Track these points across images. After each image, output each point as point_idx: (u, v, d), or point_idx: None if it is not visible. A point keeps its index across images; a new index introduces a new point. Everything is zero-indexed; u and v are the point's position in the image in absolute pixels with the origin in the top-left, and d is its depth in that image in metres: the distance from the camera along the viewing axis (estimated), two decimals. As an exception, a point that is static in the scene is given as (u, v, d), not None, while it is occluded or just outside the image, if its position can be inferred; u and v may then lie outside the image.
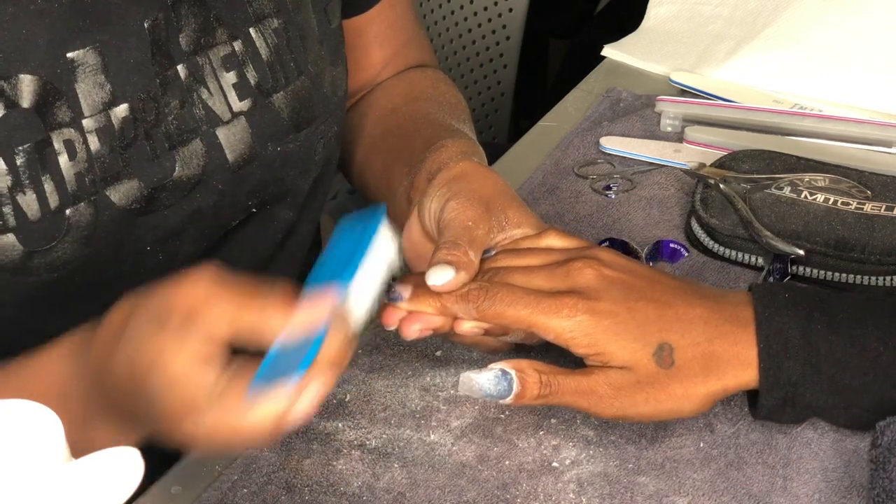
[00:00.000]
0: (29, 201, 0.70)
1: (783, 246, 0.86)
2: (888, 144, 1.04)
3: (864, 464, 0.71)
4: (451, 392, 0.77)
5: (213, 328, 0.61)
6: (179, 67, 0.76)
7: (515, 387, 0.69)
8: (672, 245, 0.91)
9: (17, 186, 0.69)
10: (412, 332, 0.71)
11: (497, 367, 0.70)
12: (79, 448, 0.66)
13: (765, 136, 1.05)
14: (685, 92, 1.15)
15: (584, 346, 0.69)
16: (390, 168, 0.88)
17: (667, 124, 1.08)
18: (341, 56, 0.90)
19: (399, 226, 0.83)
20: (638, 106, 1.12)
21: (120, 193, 0.74)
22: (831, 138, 1.05)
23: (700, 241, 0.91)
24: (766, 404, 0.71)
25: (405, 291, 0.71)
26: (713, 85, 1.15)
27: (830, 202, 0.89)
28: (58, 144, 0.70)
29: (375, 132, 0.95)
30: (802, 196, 0.90)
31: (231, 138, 0.79)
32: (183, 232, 0.78)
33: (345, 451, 0.73)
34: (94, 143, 0.72)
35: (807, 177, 0.92)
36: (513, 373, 0.69)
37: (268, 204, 0.84)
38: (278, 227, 0.87)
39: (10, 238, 0.70)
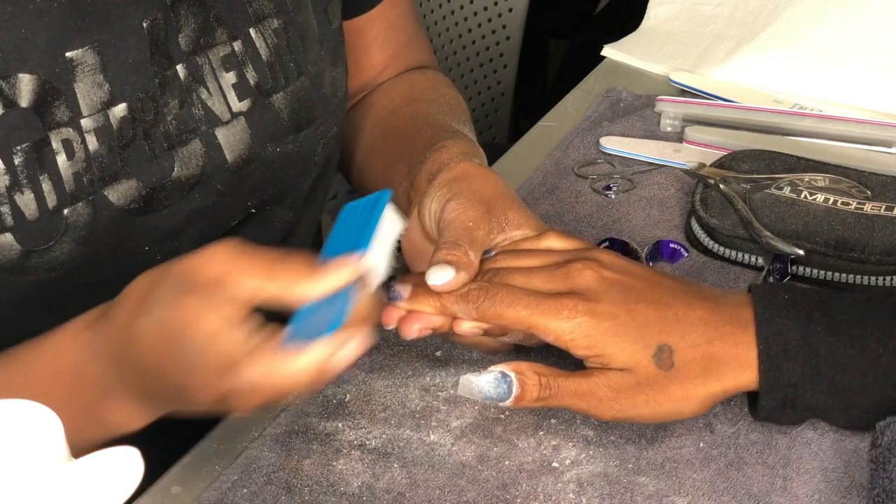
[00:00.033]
0: (27, 201, 0.70)
1: (783, 246, 0.86)
2: (888, 144, 1.04)
3: (864, 464, 0.71)
4: (451, 392, 0.77)
5: (241, 293, 0.61)
6: (179, 67, 0.76)
7: (515, 389, 0.69)
8: (672, 245, 0.91)
9: (14, 186, 0.69)
10: (411, 331, 0.71)
11: (497, 369, 0.70)
12: (91, 428, 0.67)
13: (765, 136, 1.05)
14: (685, 92, 1.15)
15: (584, 347, 0.69)
16: (390, 169, 0.88)
17: (667, 124, 1.08)
18: (341, 57, 0.90)
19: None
20: (638, 106, 1.12)
21: (118, 193, 0.74)
22: (831, 138, 1.05)
23: (700, 241, 0.91)
24: (765, 405, 0.71)
25: (404, 291, 0.71)
26: (713, 85, 1.15)
27: (830, 202, 0.89)
28: (56, 144, 0.70)
29: (375, 133, 0.95)
30: (802, 196, 0.90)
31: (230, 139, 0.78)
32: (182, 232, 0.78)
33: (345, 451, 0.73)
34: (92, 142, 0.72)
35: (807, 177, 0.92)
36: (512, 375, 0.69)
37: (267, 204, 0.84)
38: (278, 227, 0.87)
39: (8, 237, 0.70)
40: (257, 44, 0.80)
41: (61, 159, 0.71)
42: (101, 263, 0.75)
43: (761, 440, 0.73)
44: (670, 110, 1.08)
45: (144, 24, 0.74)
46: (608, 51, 1.23)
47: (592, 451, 0.73)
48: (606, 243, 0.91)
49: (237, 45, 0.79)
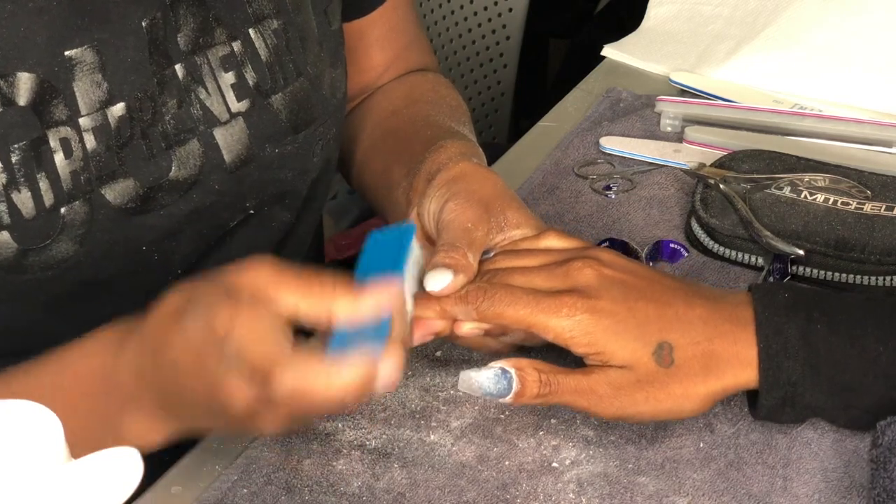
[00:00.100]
0: (24, 199, 0.70)
1: (783, 246, 0.86)
2: (888, 144, 1.04)
3: (864, 464, 0.71)
4: (451, 392, 0.77)
5: (281, 306, 0.61)
6: (177, 67, 0.76)
7: (515, 385, 0.69)
8: (672, 245, 0.91)
9: (12, 184, 0.69)
10: (415, 338, 0.71)
11: (497, 365, 0.70)
12: (108, 441, 0.67)
13: (765, 136, 1.05)
14: (685, 92, 1.15)
15: (584, 345, 0.69)
16: (389, 169, 0.88)
17: (667, 124, 1.08)
18: (341, 58, 0.89)
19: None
20: (638, 106, 1.12)
21: (115, 192, 0.74)
22: (831, 138, 1.05)
23: (700, 241, 0.91)
24: (765, 404, 0.71)
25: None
26: (713, 85, 1.15)
27: (830, 202, 0.89)
28: (54, 142, 0.70)
29: (375, 134, 0.95)
30: (802, 196, 0.90)
31: (228, 139, 0.78)
32: (180, 232, 0.78)
33: (345, 451, 0.73)
34: (90, 141, 0.72)
35: (807, 177, 0.92)
36: (512, 371, 0.69)
37: (266, 205, 0.84)
38: (276, 228, 0.86)
39: (5, 236, 0.70)
40: (257, 44, 0.80)
41: (59, 158, 0.71)
42: (98, 262, 0.75)
43: (761, 440, 0.73)
44: (670, 110, 1.08)
45: (143, 24, 0.74)
46: (608, 51, 1.23)
47: (592, 451, 0.73)
48: (606, 243, 0.91)
49: (236, 46, 0.79)
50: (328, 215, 1.39)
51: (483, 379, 0.70)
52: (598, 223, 0.95)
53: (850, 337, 0.70)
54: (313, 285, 0.62)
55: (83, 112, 0.71)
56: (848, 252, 0.85)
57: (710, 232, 0.90)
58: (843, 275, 0.85)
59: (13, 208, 0.69)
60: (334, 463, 0.72)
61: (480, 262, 0.73)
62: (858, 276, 0.85)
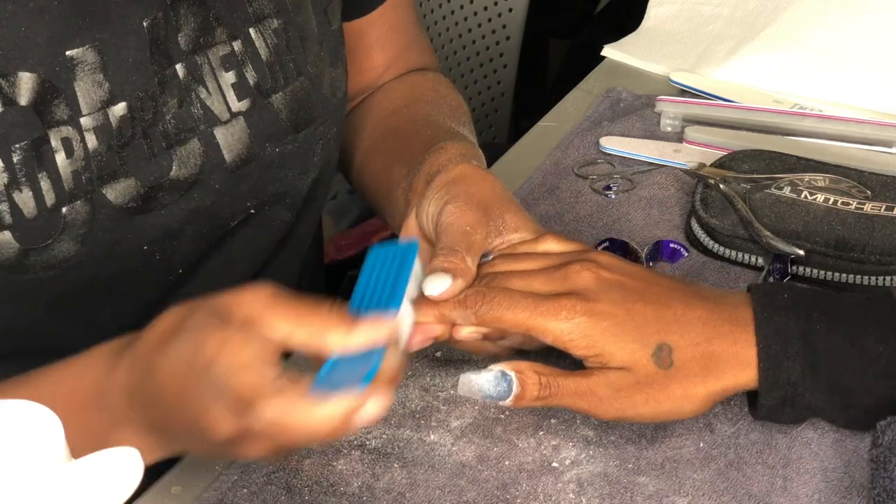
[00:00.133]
0: (25, 199, 0.70)
1: (783, 246, 0.86)
2: (888, 144, 1.04)
3: (864, 464, 0.71)
4: (451, 392, 0.77)
5: (273, 334, 0.61)
6: (178, 67, 0.76)
7: (515, 388, 0.69)
8: (672, 245, 0.91)
9: (13, 184, 0.69)
10: (414, 343, 0.71)
11: (497, 368, 0.70)
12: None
13: (765, 136, 1.05)
14: (685, 92, 1.15)
15: (583, 347, 0.69)
16: (389, 169, 0.88)
17: (667, 124, 1.08)
18: (341, 58, 0.90)
19: (396, 227, 0.83)
20: (638, 106, 1.12)
21: (117, 192, 0.74)
22: (831, 138, 1.05)
23: (700, 241, 0.91)
24: (765, 404, 0.71)
25: None
26: (713, 85, 1.15)
27: (830, 202, 0.89)
28: (55, 142, 0.70)
29: (375, 133, 0.95)
30: (802, 196, 0.90)
31: (229, 138, 0.78)
32: (180, 232, 0.78)
33: (345, 451, 0.73)
34: (91, 141, 0.72)
35: (807, 177, 0.92)
36: (512, 374, 0.69)
37: (266, 205, 0.84)
38: (277, 227, 0.87)
39: (7, 235, 0.70)
40: (257, 44, 0.80)
41: (60, 158, 0.71)
42: (100, 262, 0.75)
43: (761, 440, 0.73)
44: (670, 110, 1.08)
45: (144, 24, 0.74)
46: (608, 51, 1.23)
47: (592, 451, 0.73)
48: (606, 243, 0.91)
49: (237, 45, 0.79)
50: (328, 215, 1.39)
51: (483, 382, 0.70)
52: (598, 223, 0.95)
53: (849, 337, 0.70)
54: (308, 314, 0.62)
55: (84, 112, 0.71)
56: (848, 252, 0.85)
57: (710, 232, 0.90)
58: (843, 275, 0.85)
59: (15, 208, 0.70)
60: (334, 463, 0.72)
61: (479, 266, 0.73)
62: (858, 276, 0.85)
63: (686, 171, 0.97)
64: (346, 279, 1.18)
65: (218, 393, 0.60)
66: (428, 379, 0.78)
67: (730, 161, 0.95)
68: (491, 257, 0.75)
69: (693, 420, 0.74)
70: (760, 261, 0.88)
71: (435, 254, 0.72)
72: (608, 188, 0.99)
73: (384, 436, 0.74)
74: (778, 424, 0.73)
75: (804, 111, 1.09)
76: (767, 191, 0.91)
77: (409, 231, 0.79)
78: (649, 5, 1.27)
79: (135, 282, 0.78)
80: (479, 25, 1.72)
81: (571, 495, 0.70)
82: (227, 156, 0.78)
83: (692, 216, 0.92)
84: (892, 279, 0.84)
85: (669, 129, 1.08)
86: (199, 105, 0.77)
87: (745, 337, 0.70)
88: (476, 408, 0.76)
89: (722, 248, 0.89)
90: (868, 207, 0.89)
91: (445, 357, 0.80)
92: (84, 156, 0.71)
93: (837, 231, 0.86)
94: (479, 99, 1.74)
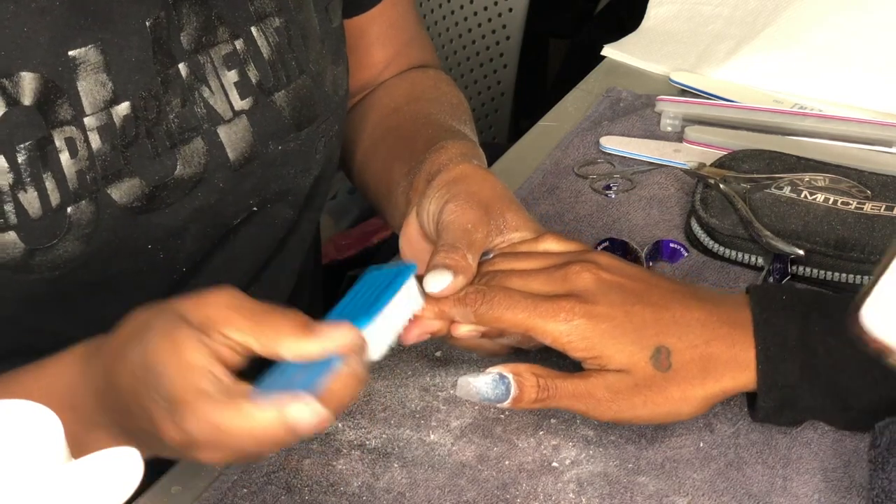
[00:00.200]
0: (30, 199, 0.70)
1: (783, 246, 0.86)
2: (888, 144, 1.04)
3: (863, 464, 0.71)
4: (451, 392, 0.77)
5: (228, 338, 0.61)
6: (181, 66, 0.76)
7: (513, 390, 0.69)
8: (672, 245, 0.91)
9: (18, 184, 0.69)
10: (410, 336, 0.71)
11: (495, 370, 0.70)
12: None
13: (765, 136, 1.05)
14: (685, 92, 1.15)
15: (582, 349, 0.69)
16: (390, 168, 0.88)
17: (667, 124, 1.08)
18: (342, 55, 0.90)
19: (397, 226, 0.83)
20: (638, 106, 1.12)
21: (121, 192, 0.74)
22: (831, 138, 1.05)
23: (700, 241, 0.91)
24: (763, 406, 0.71)
25: None
26: (713, 85, 1.15)
27: (830, 202, 0.89)
28: (59, 142, 0.70)
29: (376, 132, 0.95)
30: (802, 196, 0.90)
31: (232, 137, 0.79)
32: (184, 230, 0.78)
33: (345, 451, 0.73)
34: (95, 141, 0.72)
35: (807, 177, 0.92)
36: (510, 376, 0.69)
37: (268, 203, 0.84)
38: (279, 225, 0.87)
39: (12, 236, 0.70)
40: (259, 42, 0.80)
41: (64, 157, 0.71)
42: (105, 262, 0.75)
43: (761, 440, 0.73)
44: (670, 110, 1.08)
45: (147, 23, 0.74)
46: (608, 51, 1.24)
47: (592, 451, 0.73)
48: (606, 243, 0.91)
49: (239, 44, 0.79)
50: (328, 215, 1.39)
51: (481, 384, 0.70)
52: (598, 223, 0.95)
53: (848, 338, 0.69)
54: (264, 319, 0.61)
55: (88, 112, 0.71)
56: (848, 252, 0.85)
57: (710, 232, 0.90)
58: (843, 275, 0.85)
59: (20, 208, 0.70)
60: (334, 463, 0.72)
61: (479, 264, 0.73)
62: (858, 276, 0.85)
63: (686, 171, 0.97)
64: (346, 279, 1.18)
65: (161, 396, 0.60)
66: (428, 379, 0.78)
67: (730, 161, 0.95)
68: (491, 256, 0.75)
69: (693, 420, 0.74)
70: (760, 261, 0.88)
71: (436, 251, 0.72)
72: (608, 188, 0.99)
73: (384, 436, 0.74)
74: (777, 425, 0.73)
75: (804, 111, 1.09)
76: (767, 191, 0.91)
77: (410, 230, 0.79)
78: (649, 5, 1.27)
79: (139, 281, 0.78)
80: (479, 25, 1.72)
81: (571, 495, 0.70)
82: (231, 154, 0.79)
83: (692, 216, 0.92)
84: (891, 279, 0.84)
85: (669, 128, 1.08)
86: (202, 104, 0.77)
87: (744, 339, 0.70)
88: (476, 408, 0.76)
89: (722, 248, 0.89)
90: (868, 207, 0.89)
91: (445, 357, 0.80)
92: (88, 156, 0.72)
93: (837, 231, 0.86)
94: (479, 99, 1.74)
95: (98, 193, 0.72)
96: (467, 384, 0.70)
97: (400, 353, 0.80)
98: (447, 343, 0.78)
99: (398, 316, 0.69)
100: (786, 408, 0.70)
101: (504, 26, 1.70)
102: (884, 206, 0.88)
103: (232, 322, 0.61)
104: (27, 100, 0.69)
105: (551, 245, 0.75)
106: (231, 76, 0.78)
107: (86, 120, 0.71)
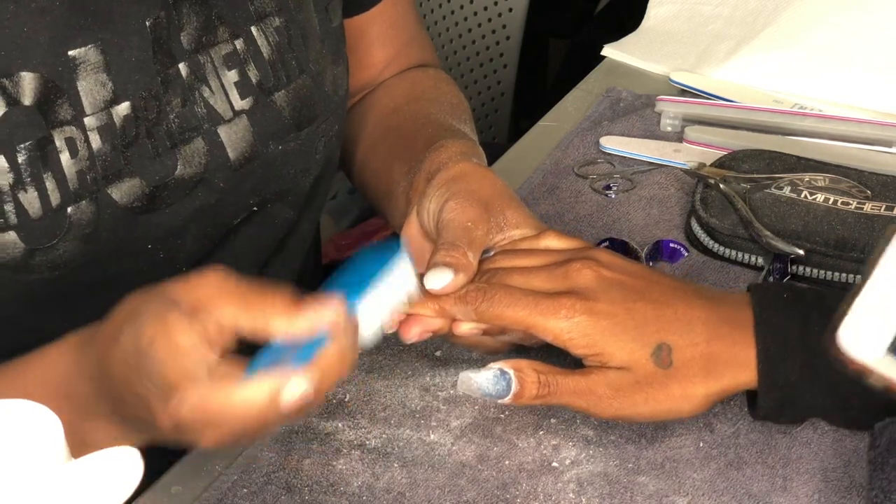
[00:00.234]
0: (30, 199, 0.70)
1: (783, 246, 0.86)
2: (888, 144, 1.04)
3: (863, 464, 0.71)
4: (451, 392, 0.77)
5: (219, 319, 0.61)
6: (181, 66, 0.76)
7: (514, 386, 0.69)
8: (672, 245, 0.91)
9: (18, 184, 0.69)
10: (412, 335, 0.71)
11: (496, 366, 0.70)
12: (77, 449, 0.66)
13: (765, 136, 1.05)
14: (685, 92, 1.15)
15: (583, 346, 0.69)
16: (390, 167, 0.88)
17: (667, 124, 1.08)
18: (342, 55, 0.90)
19: (397, 225, 0.84)
20: (638, 106, 1.12)
21: (121, 192, 0.74)
22: (831, 138, 1.05)
23: (700, 240, 0.91)
24: (764, 405, 0.71)
25: None
26: (713, 85, 1.15)
27: (830, 202, 0.89)
28: (59, 142, 0.71)
29: (376, 131, 0.95)
30: (802, 196, 0.90)
31: (233, 137, 0.79)
32: (184, 230, 0.78)
33: (345, 450, 0.73)
34: (95, 141, 0.72)
35: (807, 176, 0.92)
36: (511, 372, 0.69)
37: (269, 202, 0.84)
38: (279, 225, 0.87)
39: (12, 236, 0.70)
40: (259, 42, 0.80)
41: (65, 157, 0.71)
42: (105, 262, 0.75)
43: (761, 440, 0.73)
44: (670, 110, 1.08)
45: (147, 23, 0.74)
46: (608, 51, 1.24)
47: (592, 451, 0.73)
48: (606, 243, 0.91)
49: (239, 44, 0.79)
50: (328, 215, 1.39)
51: (482, 380, 0.70)
52: (598, 223, 0.95)
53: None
54: (254, 299, 0.61)
55: (88, 112, 0.71)
56: (848, 252, 0.85)
57: (710, 232, 0.90)
58: (843, 275, 0.85)
59: (20, 208, 0.70)
60: (334, 463, 0.72)
61: (480, 262, 0.73)
62: (858, 277, 0.85)
63: (686, 171, 0.97)
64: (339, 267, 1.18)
65: (153, 384, 0.60)
66: (428, 379, 0.78)
67: (730, 161, 0.95)
68: (492, 253, 0.75)
69: (693, 420, 0.74)
70: (760, 261, 0.88)
71: (436, 249, 0.72)
72: (608, 188, 0.99)
73: (384, 436, 0.74)
74: (778, 424, 0.73)
75: (804, 111, 1.09)
76: (767, 191, 0.91)
77: (411, 229, 0.79)
78: (649, 5, 1.27)
79: (140, 281, 0.77)
80: (479, 25, 1.72)
81: (571, 495, 0.70)
82: (231, 154, 0.79)
83: (692, 216, 0.92)
84: (891, 279, 0.84)
85: (669, 128, 1.08)
86: (202, 104, 0.77)
87: (745, 338, 0.70)
88: (476, 407, 0.76)
89: (722, 248, 0.89)
90: (868, 207, 0.89)
91: (445, 357, 0.80)
92: (88, 156, 0.72)
93: (837, 231, 0.86)
94: (479, 99, 1.74)
95: (98, 193, 0.72)
96: (468, 379, 0.70)
97: (400, 353, 0.80)
98: (448, 342, 0.78)
99: (390, 293, 0.68)
100: (786, 407, 0.71)
101: (504, 26, 1.71)
102: (884, 206, 0.88)
103: (221, 303, 0.61)
104: (27, 100, 0.69)
105: (552, 242, 0.75)
106: (231, 76, 0.78)
107: (86, 120, 0.71)
